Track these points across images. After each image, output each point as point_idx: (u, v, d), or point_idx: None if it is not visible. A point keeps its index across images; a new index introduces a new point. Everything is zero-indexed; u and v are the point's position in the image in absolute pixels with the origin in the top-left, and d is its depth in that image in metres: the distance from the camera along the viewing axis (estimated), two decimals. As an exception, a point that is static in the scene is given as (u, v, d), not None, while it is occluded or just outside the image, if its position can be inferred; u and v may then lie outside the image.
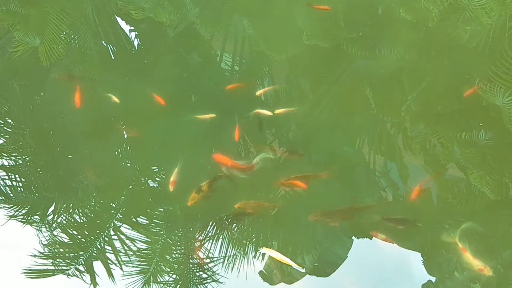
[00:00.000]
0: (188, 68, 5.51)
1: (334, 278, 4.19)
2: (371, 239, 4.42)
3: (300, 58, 5.69)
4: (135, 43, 6.16)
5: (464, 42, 5.69)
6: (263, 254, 4.24)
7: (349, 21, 5.83)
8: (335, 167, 4.60)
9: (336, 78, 5.45)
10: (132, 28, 6.23)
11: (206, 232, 4.39)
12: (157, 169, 4.91)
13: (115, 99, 4.89)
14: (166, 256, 4.37)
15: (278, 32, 5.82)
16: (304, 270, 4.14)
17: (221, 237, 4.35)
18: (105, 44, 6.06)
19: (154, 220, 4.56)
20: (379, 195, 4.66)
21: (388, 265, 4.32)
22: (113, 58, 5.99)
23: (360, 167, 4.82)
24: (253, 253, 4.29)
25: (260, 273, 4.21)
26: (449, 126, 5.12)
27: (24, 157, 5.04)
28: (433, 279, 4.29)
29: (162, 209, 4.63)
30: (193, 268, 4.28)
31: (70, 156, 4.95)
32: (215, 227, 4.42)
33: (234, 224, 4.38)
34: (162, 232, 4.44)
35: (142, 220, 4.53)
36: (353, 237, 4.42)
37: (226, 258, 4.24)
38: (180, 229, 4.48)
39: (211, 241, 4.34)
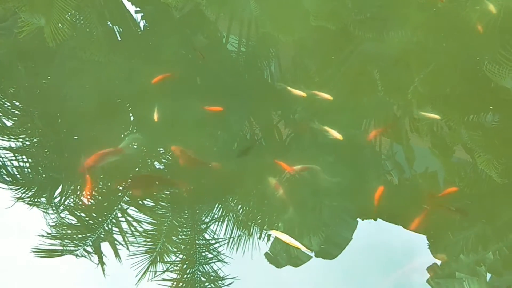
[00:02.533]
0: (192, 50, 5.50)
1: (340, 260, 4.22)
2: (375, 220, 4.44)
3: (307, 39, 5.65)
4: (141, 24, 6.14)
5: (473, 23, 5.64)
6: (269, 236, 4.28)
7: (356, 2, 5.79)
8: (341, 149, 4.60)
9: (343, 60, 5.43)
10: (138, 9, 6.21)
11: (212, 214, 4.43)
12: (163, 151, 4.93)
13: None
14: (173, 237, 4.42)
15: (285, 13, 5.78)
16: (313, 254, 4.16)
17: (226, 219, 4.39)
18: (111, 25, 6.05)
19: (160, 203, 4.59)
20: (384, 177, 4.67)
21: (395, 247, 4.34)
22: (119, 39, 5.98)
23: (366, 150, 4.82)
24: (258, 235, 4.33)
25: (266, 254, 4.23)
26: (457, 108, 5.10)
27: (31, 139, 5.06)
28: (438, 262, 4.31)
29: (168, 192, 4.67)
30: (199, 249, 4.33)
31: (76, 137, 4.97)
32: (221, 209, 4.45)
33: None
34: (168, 214, 4.47)
35: (148, 202, 4.56)
36: (358, 219, 4.45)
37: (232, 239, 4.27)
38: (186, 211, 4.50)
39: (216, 222, 4.38)
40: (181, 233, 4.45)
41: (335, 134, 4.60)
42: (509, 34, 5.51)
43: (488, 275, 4.24)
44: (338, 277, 4.16)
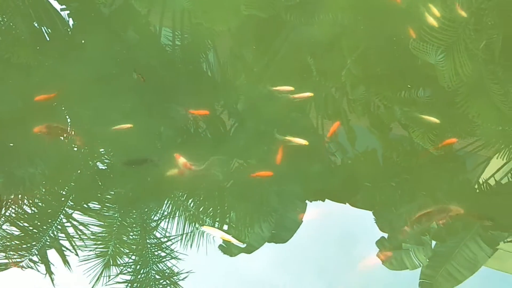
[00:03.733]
0: (126, 46, 5.38)
1: (292, 243, 4.29)
2: (323, 201, 4.54)
3: (242, 29, 5.65)
4: (70, 23, 5.93)
5: (395, 2, 5.82)
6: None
7: (286, -12, 5.84)
8: (285, 135, 4.66)
9: (278, 47, 5.47)
10: (64, 7, 5.98)
11: (162, 211, 4.38)
12: (104, 151, 4.82)
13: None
14: (123, 238, 4.34)
15: (216, 3, 5.74)
16: (244, 245, 4.19)
17: (177, 214, 4.35)
18: (37, 26, 5.81)
19: (106, 204, 4.50)
20: (329, 160, 4.77)
21: (344, 225, 4.45)
22: (48, 39, 5.74)
23: (309, 133, 4.88)
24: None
25: (220, 246, 4.25)
26: (389, 87, 5.26)
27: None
28: (386, 235, 4.47)
29: (113, 192, 4.57)
30: (151, 248, 4.28)
31: (12, 145, 4.77)
32: (170, 205, 4.41)
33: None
34: (116, 215, 4.38)
35: (94, 205, 4.45)
36: (307, 201, 4.53)
37: (184, 235, 4.25)
38: (134, 211, 4.43)
39: (167, 219, 4.34)
40: (131, 234, 4.39)
41: (300, 141, 4.61)
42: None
43: (433, 243, 4.45)
44: (294, 259, 4.23)
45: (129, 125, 4.57)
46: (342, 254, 4.23)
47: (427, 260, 4.37)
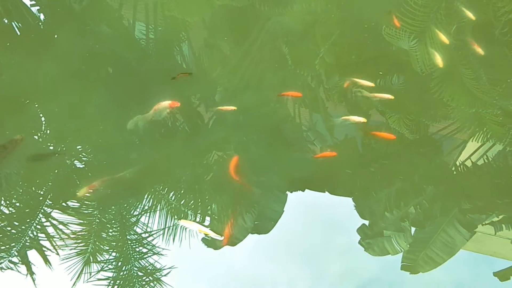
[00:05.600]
0: (99, 40, 5.28)
1: (275, 234, 4.30)
2: (303, 190, 4.56)
3: (216, 20, 5.59)
4: (41, 18, 5.78)
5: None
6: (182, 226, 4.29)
7: (258, -22, 5.80)
8: (263, 125, 4.65)
9: (254, 38, 5.44)
10: (33, 2, 5.83)
11: (141, 206, 4.34)
12: (81, 148, 4.74)
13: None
14: (103, 235, 4.29)
15: (187, -5, 5.70)
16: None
17: (158, 209, 4.32)
18: (7, 22, 5.66)
19: (85, 202, 4.44)
20: (307, 148, 4.78)
21: (326, 212, 4.49)
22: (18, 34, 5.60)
23: (287, 123, 4.90)
24: (194, 220, 4.30)
25: (203, 239, 4.23)
26: (364, 74, 5.28)
27: None
28: (367, 222, 4.51)
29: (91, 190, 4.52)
30: (132, 244, 4.24)
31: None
32: (151, 199, 4.38)
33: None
34: (95, 212, 4.33)
35: (72, 203, 4.39)
36: (287, 192, 4.54)
37: (166, 229, 4.22)
38: (113, 207, 4.38)
39: (148, 214, 4.30)
40: (111, 230, 4.34)
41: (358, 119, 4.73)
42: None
43: (413, 229, 4.52)
44: (279, 250, 4.25)
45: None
46: (327, 242, 4.27)
47: (408, 246, 4.44)
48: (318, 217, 4.41)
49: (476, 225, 4.49)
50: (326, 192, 4.60)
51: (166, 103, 4.54)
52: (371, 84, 4.90)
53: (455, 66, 5.35)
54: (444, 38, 5.29)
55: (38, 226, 4.22)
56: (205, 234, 4.10)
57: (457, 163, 4.83)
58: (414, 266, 4.36)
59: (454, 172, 4.79)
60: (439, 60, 5.17)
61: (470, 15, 5.55)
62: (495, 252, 4.40)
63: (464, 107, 5.09)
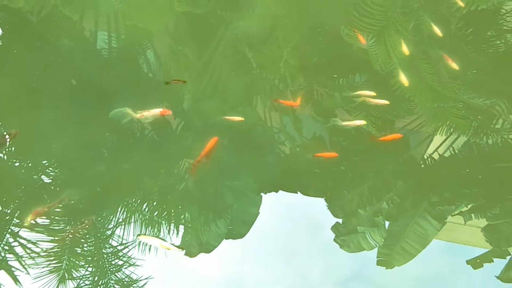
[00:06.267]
0: (61, 54, 5.17)
1: (250, 237, 4.29)
2: (277, 192, 4.56)
3: (180, 27, 5.56)
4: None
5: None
6: (177, 230, 4.23)
7: (217, -17, 5.80)
8: (233, 130, 4.64)
9: (218, 43, 5.43)
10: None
11: (116, 219, 4.27)
12: (47, 163, 4.63)
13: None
14: (77, 250, 4.19)
15: (148, 3, 5.62)
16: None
17: (132, 220, 4.25)
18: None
19: (55, 218, 4.33)
20: (279, 150, 4.79)
21: (298, 215, 4.50)
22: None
23: (258, 126, 4.90)
24: (167, 230, 4.26)
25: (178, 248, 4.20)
26: (328, 74, 5.34)
27: None
28: (340, 220, 4.55)
29: (60, 204, 4.41)
30: (107, 258, 4.16)
31: None
32: (124, 211, 4.31)
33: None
34: (67, 228, 4.23)
35: (42, 220, 4.28)
36: (261, 193, 4.54)
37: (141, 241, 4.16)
38: (85, 220, 4.29)
39: (122, 226, 4.23)
40: (85, 245, 4.24)
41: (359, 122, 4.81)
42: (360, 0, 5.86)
43: (386, 223, 4.58)
44: (261, 252, 4.26)
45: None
46: (307, 240, 4.29)
47: (383, 240, 4.50)
48: (294, 217, 4.44)
49: (446, 216, 4.59)
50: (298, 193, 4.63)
51: (156, 111, 4.48)
52: (386, 102, 4.95)
53: (415, 62, 5.46)
54: (405, 49, 5.38)
55: (6, 247, 4.10)
56: (166, 248, 4.07)
57: (425, 156, 4.94)
58: (389, 260, 4.42)
59: (422, 166, 4.90)
60: (405, 48, 5.26)
61: (437, 30, 5.61)
62: (467, 240, 4.51)
63: (426, 102, 5.19)
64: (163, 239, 4.09)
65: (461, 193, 4.69)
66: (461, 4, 5.61)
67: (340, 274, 4.13)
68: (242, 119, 4.66)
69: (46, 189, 4.45)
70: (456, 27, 5.70)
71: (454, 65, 5.16)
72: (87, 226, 4.11)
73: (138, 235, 4.14)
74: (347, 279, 4.10)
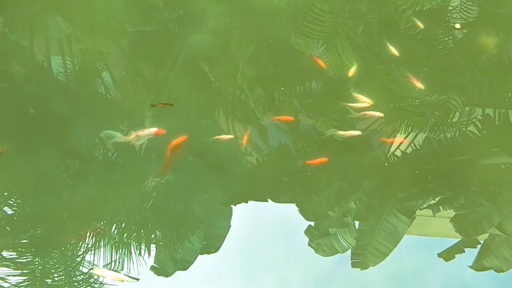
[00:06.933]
0: (14, 81, 5.04)
1: (227, 250, 4.26)
2: (247, 202, 4.55)
3: (134, 46, 5.50)
4: None
5: (276, 1, 5.98)
6: (149, 250, 4.16)
7: (167, 1, 5.77)
8: (197, 144, 4.61)
9: (175, 58, 5.40)
10: None
11: (86, 244, 4.16)
12: (7, 194, 4.48)
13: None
14: (47, 281, 4.06)
15: (99, 25, 5.54)
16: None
17: (102, 244, 4.15)
18: None
19: (22, 250, 4.18)
20: (246, 161, 4.78)
21: (271, 223, 4.50)
22: None
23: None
24: (139, 251, 4.18)
25: (152, 268, 4.12)
26: (285, 83, 5.38)
27: None
28: (312, 223, 4.57)
29: (26, 236, 4.27)
30: (79, 285, 4.05)
31: None
32: (93, 236, 4.20)
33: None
34: (36, 259, 4.09)
35: (8, 254, 4.13)
36: (232, 205, 4.52)
37: (113, 263, 4.06)
38: (54, 250, 4.17)
39: (92, 251, 4.12)
40: (56, 275, 4.11)
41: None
42: (308, 6, 5.93)
43: (356, 223, 4.63)
44: (241, 263, 4.22)
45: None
46: (286, 246, 4.29)
47: (355, 241, 4.54)
48: (269, 225, 4.43)
49: (415, 211, 4.66)
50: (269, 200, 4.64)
51: (151, 130, 4.39)
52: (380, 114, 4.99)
53: (368, 64, 5.56)
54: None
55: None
56: (120, 280, 3.96)
57: (388, 155, 5.02)
58: (364, 261, 4.44)
59: (386, 164, 4.98)
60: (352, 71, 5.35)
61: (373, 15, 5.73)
62: (438, 232, 4.59)
63: (382, 103, 5.28)
64: (117, 271, 4.01)
65: (427, 187, 4.78)
66: (421, 25, 5.76)
67: (321, 276, 4.14)
68: (232, 136, 4.69)
69: (9, 221, 4.32)
70: (405, 28, 5.85)
71: (420, 85, 5.25)
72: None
73: (90, 269, 4.03)
74: (328, 281, 4.11)
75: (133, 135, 4.35)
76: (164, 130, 4.40)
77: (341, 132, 4.84)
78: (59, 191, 4.37)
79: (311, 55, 5.42)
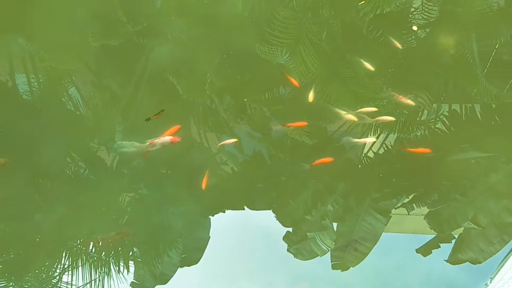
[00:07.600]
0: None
1: (205, 262, 4.21)
2: (224, 212, 4.52)
3: (100, 61, 5.40)
4: None
5: (239, 11, 5.97)
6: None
7: (129, 15, 5.70)
8: (169, 157, 4.56)
9: (142, 71, 5.33)
10: None
11: (62, 265, 4.05)
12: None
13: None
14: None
15: (62, 43, 5.44)
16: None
17: (79, 264, 4.06)
18: None
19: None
20: (221, 171, 4.75)
21: (251, 231, 4.47)
22: None
23: (194, 149, 4.83)
24: (117, 268, 4.10)
25: (132, 284, 4.05)
26: (253, 91, 5.37)
27: None
28: (290, 229, 4.56)
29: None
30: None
31: None
32: (68, 256, 4.10)
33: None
34: (10, 284, 3.97)
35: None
36: (210, 216, 4.47)
37: (93, 282, 3.98)
38: (30, 273, 4.05)
39: (70, 271, 4.03)
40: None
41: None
42: (271, 15, 5.95)
43: (334, 225, 4.64)
44: (224, 271, 4.19)
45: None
46: (268, 252, 4.27)
47: (333, 243, 4.55)
48: (250, 233, 4.41)
49: (390, 210, 4.71)
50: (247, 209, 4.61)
51: (167, 138, 4.32)
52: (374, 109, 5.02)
53: (334, 68, 5.60)
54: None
55: None
56: None
57: (361, 156, 5.06)
58: (344, 262, 4.47)
59: (359, 166, 5.02)
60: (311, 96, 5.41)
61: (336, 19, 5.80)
62: (415, 229, 4.65)
63: (349, 106, 5.31)
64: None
65: (400, 186, 4.84)
66: (399, 46, 5.82)
67: (306, 278, 4.14)
68: (236, 140, 4.71)
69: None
70: (368, 31, 5.91)
71: (410, 102, 5.30)
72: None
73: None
74: (314, 283, 4.11)
75: (148, 143, 4.30)
76: (179, 138, 4.36)
77: (355, 140, 4.93)
78: (30, 213, 4.26)
79: (283, 73, 5.44)
